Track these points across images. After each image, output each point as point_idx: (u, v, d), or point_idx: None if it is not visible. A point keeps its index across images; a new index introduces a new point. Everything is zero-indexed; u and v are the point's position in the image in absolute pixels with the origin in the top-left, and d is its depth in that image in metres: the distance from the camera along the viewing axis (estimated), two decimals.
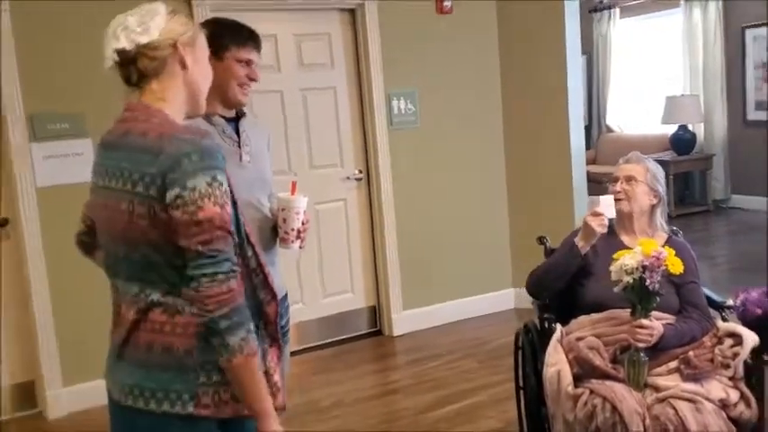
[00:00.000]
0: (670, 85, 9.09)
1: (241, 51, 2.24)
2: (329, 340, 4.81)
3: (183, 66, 1.62)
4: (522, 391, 2.92)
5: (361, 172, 4.82)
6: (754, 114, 8.17)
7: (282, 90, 4.55)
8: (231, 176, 2.01)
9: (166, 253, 1.53)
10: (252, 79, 2.28)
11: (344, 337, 4.87)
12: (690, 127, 8.40)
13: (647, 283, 2.32)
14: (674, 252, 2.39)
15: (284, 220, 2.22)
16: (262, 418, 1.55)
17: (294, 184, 2.27)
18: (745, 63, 8.16)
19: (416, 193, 4.89)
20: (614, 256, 2.43)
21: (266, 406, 1.56)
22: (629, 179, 2.79)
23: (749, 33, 8.06)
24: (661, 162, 8.60)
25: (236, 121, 2.32)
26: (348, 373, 4.34)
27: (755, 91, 8.11)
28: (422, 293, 4.96)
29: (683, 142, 8.34)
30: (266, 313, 1.66)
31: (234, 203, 1.59)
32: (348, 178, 4.79)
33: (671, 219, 8.10)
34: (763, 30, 7.91)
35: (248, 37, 2.30)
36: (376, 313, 4.98)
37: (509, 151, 5.18)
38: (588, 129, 10.09)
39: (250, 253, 1.64)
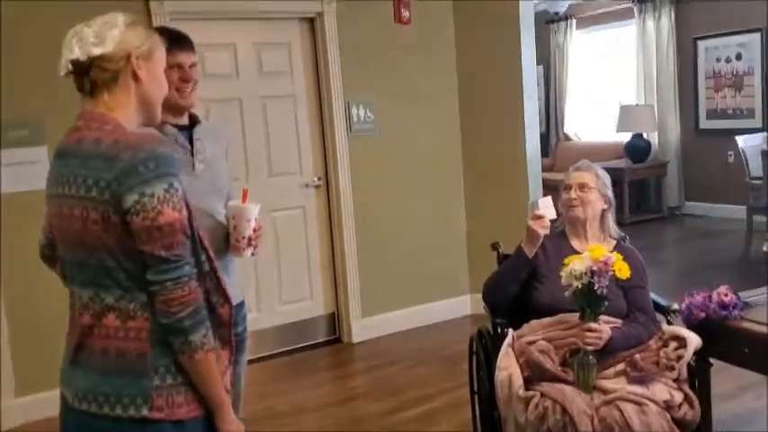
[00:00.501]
0: (625, 95, 9.30)
1: (167, 57, 2.24)
2: (288, 348, 4.81)
3: (136, 78, 1.64)
4: (476, 396, 2.98)
5: (319, 179, 4.84)
6: (705, 123, 8.40)
7: (242, 97, 4.57)
8: (184, 184, 2.02)
9: (119, 258, 1.56)
10: (185, 80, 2.27)
11: (303, 344, 4.87)
12: (644, 135, 8.60)
13: (595, 288, 2.39)
14: (621, 257, 2.45)
15: (235, 228, 2.24)
16: (219, 408, 1.63)
17: (245, 192, 2.28)
18: (696, 73, 8.39)
19: (375, 200, 4.93)
20: (564, 261, 2.49)
21: (224, 396, 1.64)
22: (582, 186, 2.86)
23: (701, 44, 8.30)
24: (616, 169, 8.80)
25: (189, 128, 2.32)
26: (306, 381, 4.35)
27: (707, 100, 8.34)
28: (380, 300, 4.99)
29: (637, 150, 8.53)
30: (219, 316, 1.69)
31: (187, 209, 1.62)
32: (307, 185, 4.81)
33: (625, 225, 8.29)
34: (713, 41, 8.15)
35: (172, 41, 2.24)
36: (335, 320, 5.00)
37: (466, 158, 5.26)
38: (546, 137, 10.26)
39: (203, 257, 1.67)
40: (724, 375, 3.46)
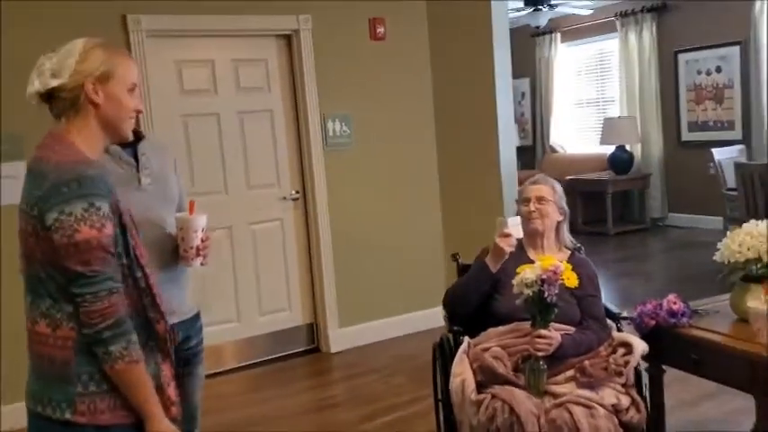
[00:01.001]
0: (609, 107, 9.43)
1: None
2: (267, 358, 4.89)
3: (94, 104, 1.73)
4: (440, 402, 3.06)
5: (297, 192, 4.93)
6: (687, 135, 8.51)
7: (219, 113, 4.66)
8: (130, 200, 2.11)
9: (48, 269, 1.66)
10: None
11: (282, 354, 4.95)
12: (627, 147, 8.70)
13: (545, 296, 2.48)
14: (570, 267, 2.54)
15: (183, 239, 2.29)
16: (149, 420, 1.70)
17: (192, 204, 2.34)
18: (678, 86, 8.51)
19: (352, 213, 5.02)
20: (517, 270, 2.58)
21: (153, 408, 1.70)
22: (540, 199, 2.96)
23: (681, 58, 8.42)
24: (600, 181, 8.89)
25: (133, 145, 2.34)
26: (282, 390, 4.42)
27: (688, 113, 8.45)
28: (358, 311, 5.07)
29: (620, 162, 8.64)
30: (156, 331, 1.78)
31: (123, 227, 1.71)
32: (285, 198, 4.90)
33: (609, 236, 8.42)
34: (694, 54, 8.27)
35: None
36: (313, 331, 5.08)
37: (442, 171, 5.35)
38: (533, 149, 10.39)
39: (140, 274, 1.75)
40: (685, 384, 3.56)
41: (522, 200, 3.00)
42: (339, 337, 5.02)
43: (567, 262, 2.82)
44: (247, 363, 4.81)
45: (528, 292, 2.52)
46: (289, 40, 4.81)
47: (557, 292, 2.50)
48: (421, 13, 5.23)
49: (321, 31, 4.81)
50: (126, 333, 1.65)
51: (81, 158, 1.68)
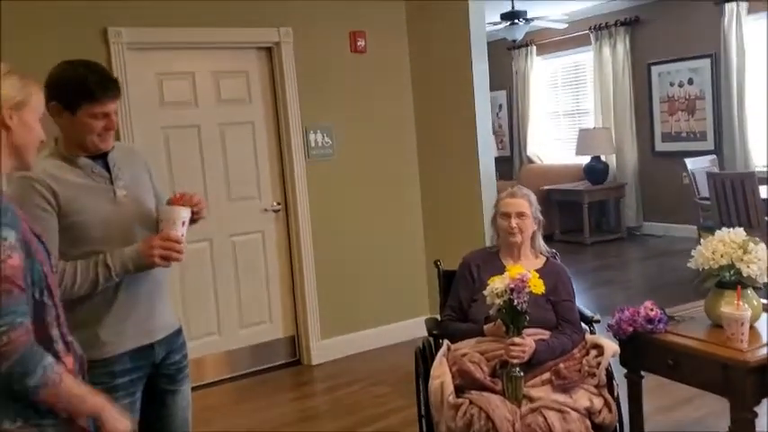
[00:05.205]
0: (584, 119, 9.57)
1: (94, 107, 2.15)
2: (248, 371, 4.88)
3: (6, 128, 1.68)
4: (422, 407, 3.10)
5: (279, 204, 4.95)
6: (661, 146, 8.66)
7: (200, 124, 4.67)
8: (105, 214, 2.07)
9: None
10: (109, 129, 2.21)
11: (263, 367, 4.94)
12: (603, 158, 8.84)
13: (515, 304, 2.55)
14: (537, 275, 2.61)
15: (163, 230, 2.19)
16: (99, 414, 1.68)
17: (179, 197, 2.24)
18: (651, 98, 8.67)
19: (333, 224, 5.05)
20: (488, 281, 2.65)
21: (95, 403, 1.68)
22: (521, 215, 3.02)
23: (654, 70, 8.58)
24: (576, 191, 9.00)
25: (103, 157, 2.26)
26: (264, 402, 4.43)
27: (662, 124, 8.61)
28: (340, 322, 5.10)
29: (596, 172, 8.77)
30: (63, 364, 1.69)
31: (29, 256, 1.61)
32: (266, 210, 4.92)
33: (586, 246, 8.53)
34: (666, 66, 8.44)
35: (99, 91, 2.16)
36: (295, 343, 5.09)
37: (423, 182, 5.41)
38: (510, 160, 10.50)
39: (50, 303, 1.68)
40: (670, 388, 3.62)
41: (502, 214, 3.05)
42: (321, 349, 5.04)
43: (543, 268, 2.94)
44: (228, 376, 4.81)
45: (498, 301, 2.59)
46: (270, 52, 4.85)
47: (526, 299, 2.57)
48: (401, 27, 5.30)
49: (302, 43, 4.85)
50: (40, 360, 1.57)
51: None
